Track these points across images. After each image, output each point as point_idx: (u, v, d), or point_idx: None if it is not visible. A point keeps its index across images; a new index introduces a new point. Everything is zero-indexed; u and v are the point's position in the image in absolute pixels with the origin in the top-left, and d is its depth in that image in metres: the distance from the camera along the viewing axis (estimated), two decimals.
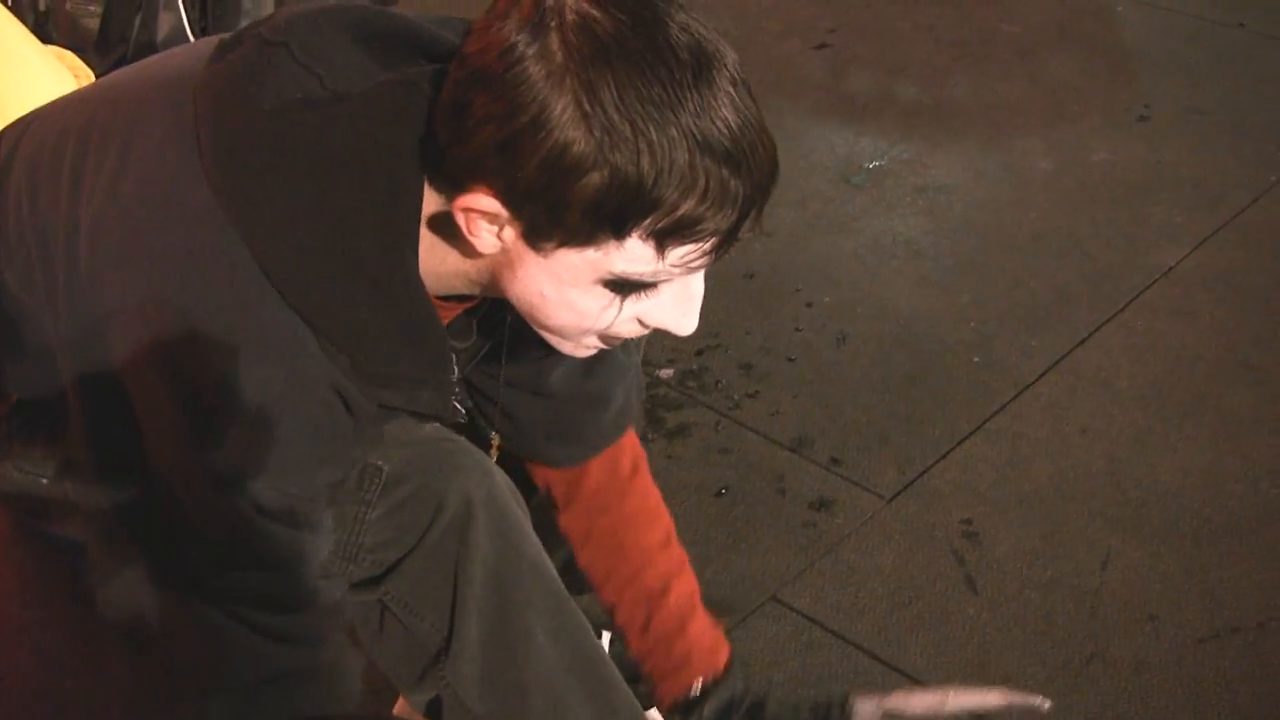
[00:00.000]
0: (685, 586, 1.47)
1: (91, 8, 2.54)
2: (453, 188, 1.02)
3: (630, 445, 1.49)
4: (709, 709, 1.46)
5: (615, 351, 1.37)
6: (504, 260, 1.05)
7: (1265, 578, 1.95)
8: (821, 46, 3.49)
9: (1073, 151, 3.03)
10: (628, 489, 1.48)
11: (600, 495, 1.47)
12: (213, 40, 1.12)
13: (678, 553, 1.49)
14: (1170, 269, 2.63)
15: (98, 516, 1.15)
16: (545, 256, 1.02)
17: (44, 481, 1.25)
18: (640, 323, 1.08)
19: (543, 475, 1.48)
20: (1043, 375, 2.36)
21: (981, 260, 2.67)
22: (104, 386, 1.07)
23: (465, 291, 1.13)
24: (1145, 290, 2.57)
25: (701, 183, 0.96)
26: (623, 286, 1.03)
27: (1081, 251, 2.69)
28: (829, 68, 3.39)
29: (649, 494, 1.50)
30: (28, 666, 1.35)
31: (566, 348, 1.13)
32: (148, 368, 1.04)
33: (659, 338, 1.12)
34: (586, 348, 1.13)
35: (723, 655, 1.48)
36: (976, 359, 2.40)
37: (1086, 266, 2.64)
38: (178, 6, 2.53)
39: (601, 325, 1.07)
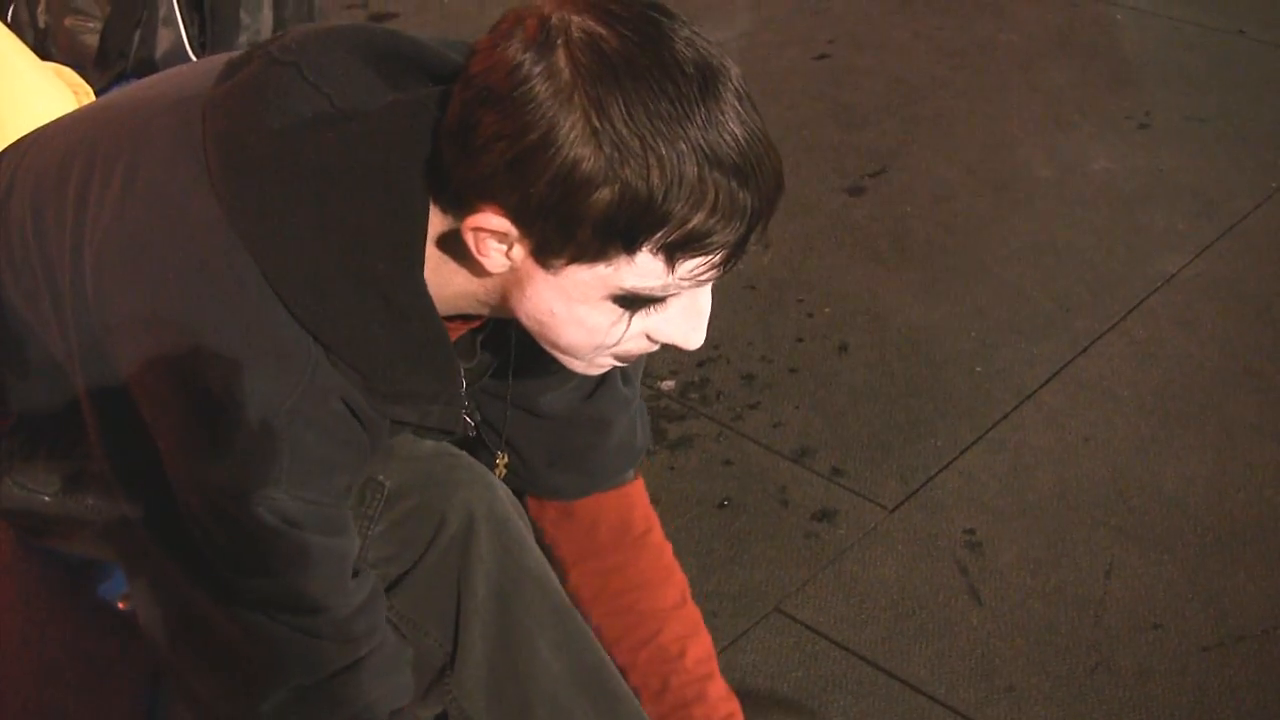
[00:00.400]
0: (700, 649, 1.44)
1: (90, 24, 2.54)
2: (460, 207, 1.02)
3: (641, 503, 1.47)
4: None
5: (615, 380, 1.37)
6: (512, 279, 1.05)
7: (1270, 585, 1.95)
8: (821, 57, 3.49)
9: (1073, 160, 3.03)
10: (640, 547, 1.45)
11: (611, 554, 1.44)
12: (219, 59, 1.12)
13: (692, 613, 1.46)
14: (1171, 277, 2.63)
15: (119, 526, 1.15)
16: (555, 274, 1.02)
17: (45, 499, 1.25)
18: (649, 338, 1.08)
19: (550, 532, 1.47)
20: (1045, 384, 2.36)
21: (982, 269, 2.67)
22: (116, 398, 1.07)
23: (472, 311, 1.13)
24: (1147, 298, 2.57)
25: (711, 196, 0.96)
26: (632, 302, 1.03)
27: (1082, 260, 2.68)
28: (829, 78, 3.39)
29: (662, 553, 1.47)
30: (28, 682, 1.35)
31: (579, 366, 1.12)
32: (157, 381, 1.04)
33: (661, 350, 1.12)
34: (599, 366, 1.13)
35: None
36: (978, 368, 2.40)
37: (1088, 275, 2.64)
38: (177, 22, 2.53)
39: (610, 341, 1.07)
